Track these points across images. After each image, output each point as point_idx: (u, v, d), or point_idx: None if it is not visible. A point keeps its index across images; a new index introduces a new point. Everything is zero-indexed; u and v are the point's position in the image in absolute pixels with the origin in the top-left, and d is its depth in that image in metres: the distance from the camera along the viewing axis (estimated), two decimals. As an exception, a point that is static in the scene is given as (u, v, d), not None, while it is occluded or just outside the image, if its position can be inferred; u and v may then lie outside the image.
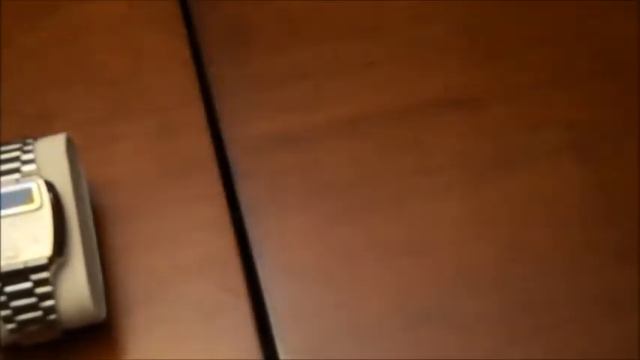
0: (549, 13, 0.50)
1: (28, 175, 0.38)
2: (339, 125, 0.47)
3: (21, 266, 0.37)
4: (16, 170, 0.39)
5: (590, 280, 0.42)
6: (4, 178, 0.38)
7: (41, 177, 0.38)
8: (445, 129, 0.46)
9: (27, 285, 0.37)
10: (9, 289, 0.37)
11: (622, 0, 0.50)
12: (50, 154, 0.40)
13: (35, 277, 0.37)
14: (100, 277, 0.41)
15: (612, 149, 0.46)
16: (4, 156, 0.39)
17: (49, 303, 0.37)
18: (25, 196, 0.38)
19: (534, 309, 0.41)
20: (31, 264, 0.37)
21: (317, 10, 0.50)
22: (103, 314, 0.40)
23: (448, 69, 0.49)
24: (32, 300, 0.37)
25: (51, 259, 0.37)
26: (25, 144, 0.40)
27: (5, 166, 0.39)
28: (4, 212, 0.37)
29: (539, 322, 0.41)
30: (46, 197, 0.38)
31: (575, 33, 0.50)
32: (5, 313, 0.37)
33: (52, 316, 0.37)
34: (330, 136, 0.46)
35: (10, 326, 0.37)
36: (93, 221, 0.43)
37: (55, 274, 0.38)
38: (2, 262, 0.37)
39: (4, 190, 0.38)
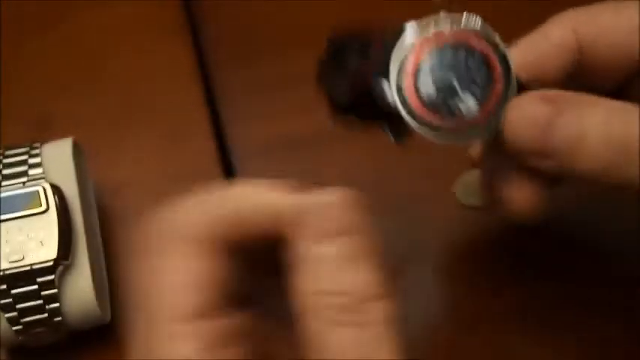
0: (549, 14, 0.50)
1: (35, 178, 0.39)
2: (342, 130, 0.47)
3: (27, 269, 0.37)
4: (23, 174, 0.39)
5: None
6: (11, 182, 0.39)
7: (48, 180, 0.39)
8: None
9: (33, 287, 0.37)
10: (15, 291, 0.37)
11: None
12: (57, 158, 0.40)
13: (41, 279, 0.37)
14: (105, 279, 0.42)
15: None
16: (12, 160, 0.40)
17: (54, 305, 0.38)
18: (32, 200, 0.38)
19: (533, 310, 0.41)
20: (36, 266, 0.37)
21: (320, 14, 0.50)
22: (108, 316, 0.40)
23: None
24: (38, 302, 0.37)
25: (56, 262, 0.38)
26: (32, 148, 0.40)
27: (12, 170, 0.39)
28: (10, 215, 0.38)
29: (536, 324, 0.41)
30: (52, 200, 0.38)
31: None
32: (11, 314, 0.37)
33: (58, 318, 0.38)
34: (334, 140, 0.46)
35: (16, 328, 0.38)
36: (98, 224, 0.43)
37: (61, 277, 0.38)
38: (8, 265, 0.37)
39: (10, 193, 0.38)
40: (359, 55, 0.32)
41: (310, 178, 0.44)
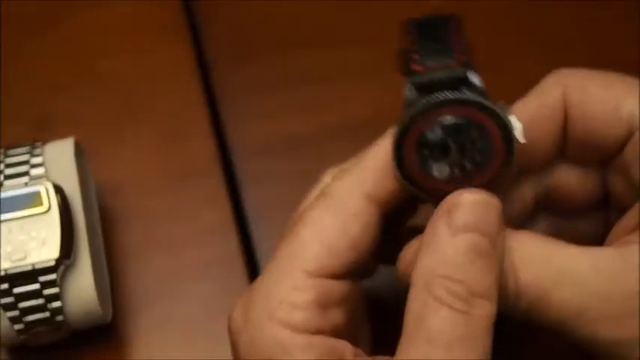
0: (549, 15, 0.51)
1: (37, 178, 0.39)
2: (342, 129, 0.47)
3: (29, 268, 0.37)
4: (25, 174, 0.39)
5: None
6: (13, 182, 0.39)
7: (49, 180, 0.39)
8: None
9: (34, 286, 0.37)
10: (17, 290, 0.37)
11: (622, 3, 0.51)
12: (58, 158, 0.41)
13: (43, 278, 0.37)
14: (106, 278, 0.42)
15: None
16: (14, 159, 0.40)
17: (56, 304, 0.38)
18: (34, 199, 0.38)
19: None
20: (38, 266, 0.37)
21: (319, 15, 0.51)
22: (109, 316, 0.41)
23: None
24: (40, 301, 0.37)
25: (58, 261, 0.38)
26: (34, 147, 0.40)
27: (14, 170, 0.39)
28: (12, 215, 0.38)
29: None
30: (54, 200, 0.38)
31: (575, 34, 0.50)
32: (13, 313, 0.37)
33: (59, 318, 0.38)
34: (333, 140, 0.47)
35: (18, 327, 0.38)
36: (100, 223, 0.43)
37: (63, 276, 0.38)
38: (10, 264, 0.37)
39: (13, 193, 0.38)
40: (425, 46, 0.32)
41: (310, 178, 0.45)
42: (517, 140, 0.31)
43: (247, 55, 0.50)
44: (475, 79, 0.31)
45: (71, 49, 0.50)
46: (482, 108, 0.30)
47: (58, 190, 0.39)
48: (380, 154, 0.32)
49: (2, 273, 0.37)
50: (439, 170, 0.30)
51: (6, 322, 0.38)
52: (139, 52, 0.50)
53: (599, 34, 0.50)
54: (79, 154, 0.42)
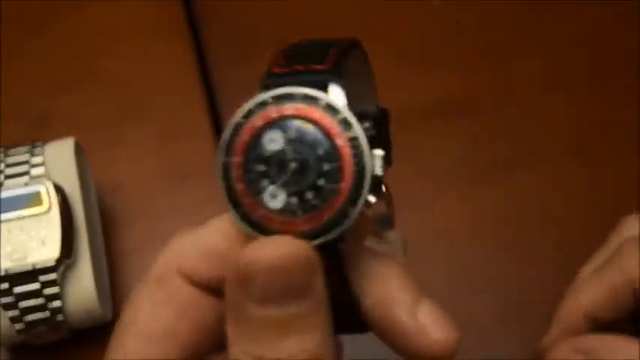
0: (549, 15, 0.51)
1: (37, 178, 0.39)
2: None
3: (29, 267, 0.37)
4: (26, 173, 0.39)
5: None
6: (13, 181, 0.39)
7: (50, 180, 0.39)
8: (445, 133, 0.47)
9: (35, 286, 0.37)
10: (17, 289, 0.37)
11: (622, 3, 0.51)
12: (59, 158, 0.41)
13: (43, 278, 0.37)
14: (106, 278, 0.42)
15: (611, 152, 0.46)
16: (14, 159, 0.40)
17: (56, 304, 0.38)
18: (34, 199, 0.38)
19: (531, 309, 0.41)
20: (39, 265, 0.37)
21: (319, 15, 0.51)
22: (110, 315, 0.41)
23: (448, 74, 0.49)
24: (40, 301, 0.38)
25: (58, 261, 0.38)
26: (34, 147, 0.40)
27: (15, 169, 0.39)
28: (13, 214, 0.38)
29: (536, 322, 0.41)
30: (55, 200, 0.38)
31: (575, 34, 0.50)
32: (13, 313, 0.37)
33: (59, 317, 0.38)
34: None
35: (18, 326, 0.38)
36: (100, 223, 0.43)
37: (63, 276, 0.38)
38: (11, 264, 0.37)
39: (13, 192, 0.39)
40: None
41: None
42: (373, 170, 0.24)
43: (247, 55, 0.50)
44: (340, 93, 0.24)
45: (71, 49, 0.50)
46: (335, 112, 0.23)
47: (58, 189, 0.39)
48: (213, 228, 0.27)
49: (2, 272, 0.37)
50: (273, 196, 0.23)
51: (6, 322, 0.38)
52: (139, 52, 0.50)
53: (599, 34, 0.50)
54: (79, 153, 0.42)
